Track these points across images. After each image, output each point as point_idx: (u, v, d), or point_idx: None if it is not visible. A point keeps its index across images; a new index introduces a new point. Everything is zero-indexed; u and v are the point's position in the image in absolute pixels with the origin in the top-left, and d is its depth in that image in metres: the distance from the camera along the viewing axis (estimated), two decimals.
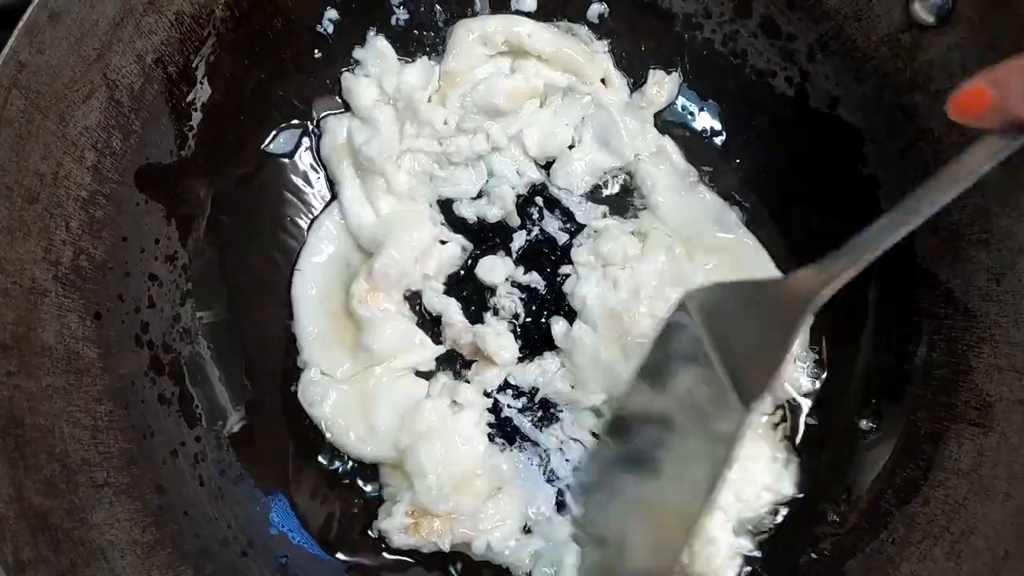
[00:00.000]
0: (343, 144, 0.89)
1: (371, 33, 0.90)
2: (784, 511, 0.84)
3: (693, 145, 0.92)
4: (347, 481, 0.87)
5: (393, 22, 0.91)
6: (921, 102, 0.79)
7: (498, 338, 0.86)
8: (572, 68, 0.90)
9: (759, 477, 0.82)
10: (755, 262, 0.88)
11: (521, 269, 0.90)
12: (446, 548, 0.81)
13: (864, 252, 0.66)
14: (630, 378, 0.79)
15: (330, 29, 0.89)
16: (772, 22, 0.87)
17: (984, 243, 0.76)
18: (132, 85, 0.76)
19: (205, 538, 0.80)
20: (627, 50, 0.92)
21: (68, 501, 0.70)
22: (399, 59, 0.91)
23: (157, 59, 0.78)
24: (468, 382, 0.87)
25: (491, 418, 0.87)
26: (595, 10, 0.92)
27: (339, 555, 0.85)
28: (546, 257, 0.91)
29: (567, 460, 0.86)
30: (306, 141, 0.91)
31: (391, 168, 0.88)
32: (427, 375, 0.88)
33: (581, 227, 0.91)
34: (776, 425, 0.86)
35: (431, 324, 0.89)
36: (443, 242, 0.89)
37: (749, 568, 0.83)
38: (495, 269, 0.89)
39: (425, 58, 0.91)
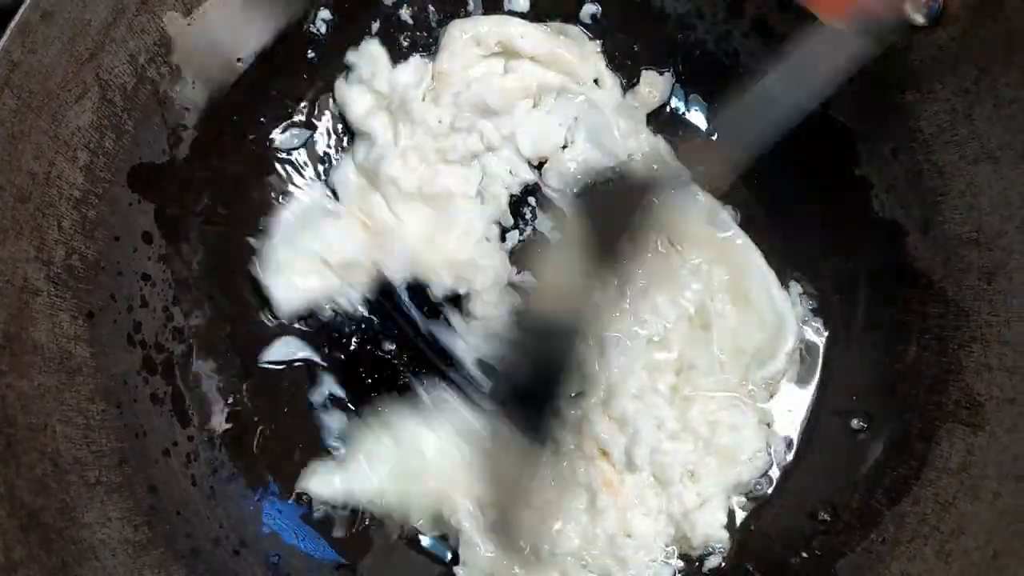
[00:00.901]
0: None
1: (366, 39, 0.90)
2: (776, 473, 0.86)
3: (686, 145, 0.92)
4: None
5: (387, 22, 0.91)
6: (912, 102, 0.79)
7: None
8: (565, 68, 0.90)
9: (747, 444, 0.84)
10: (747, 260, 0.88)
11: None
12: None
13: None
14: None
15: (323, 29, 0.90)
16: (764, 23, 0.87)
17: (975, 243, 0.76)
18: (125, 85, 0.76)
19: (197, 537, 0.80)
20: (620, 50, 0.93)
21: (60, 500, 0.70)
22: (391, 59, 0.91)
23: (150, 59, 0.78)
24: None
25: None
26: (588, 10, 0.92)
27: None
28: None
29: None
30: (299, 140, 0.91)
31: (396, 171, 0.88)
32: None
33: None
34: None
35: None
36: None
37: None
38: None
39: (418, 57, 0.91)
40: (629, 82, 0.93)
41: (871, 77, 0.81)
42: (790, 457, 0.86)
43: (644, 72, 0.92)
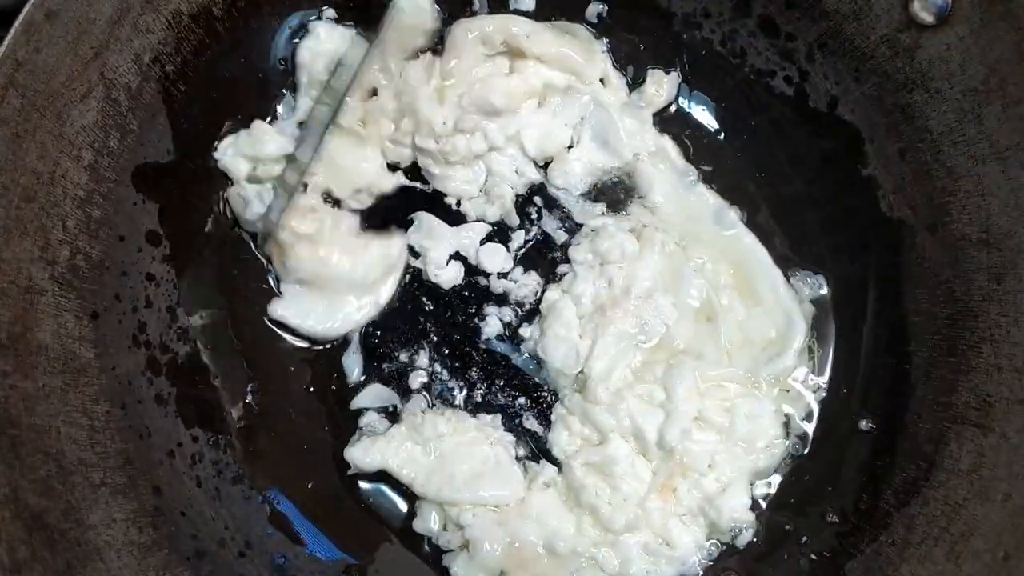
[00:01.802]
0: None
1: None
2: (799, 446, 0.86)
3: (692, 144, 0.92)
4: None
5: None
6: (920, 101, 0.79)
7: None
8: (571, 68, 0.90)
9: (767, 430, 0.85)
10: (754, 259, 0.88)
11: (520, 269, 0.90)
12: None
13: None
14: None
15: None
16: (771, 21, 0.87)
17: (984, 243, 0.76)
18: (129, 84, 0.76)
19: (202, 538, 0.80)
20: (626, 50, 0.92)
21: (64, 501, 0.69)
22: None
23: (154, 58, 0.78)
24: None
25: None
26: (594, 9, 0.92)
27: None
28: (544, 256, 0.91)
29: None
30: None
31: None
32: None
33: (579, 226, 0.90)
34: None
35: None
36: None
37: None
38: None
39: (428, 55, 0.90)
40: (635, 81, 0.93)
41: (878, 76, 0.81)
42: (805, 451, 0.86)
43: (650, 71, 0.92)
